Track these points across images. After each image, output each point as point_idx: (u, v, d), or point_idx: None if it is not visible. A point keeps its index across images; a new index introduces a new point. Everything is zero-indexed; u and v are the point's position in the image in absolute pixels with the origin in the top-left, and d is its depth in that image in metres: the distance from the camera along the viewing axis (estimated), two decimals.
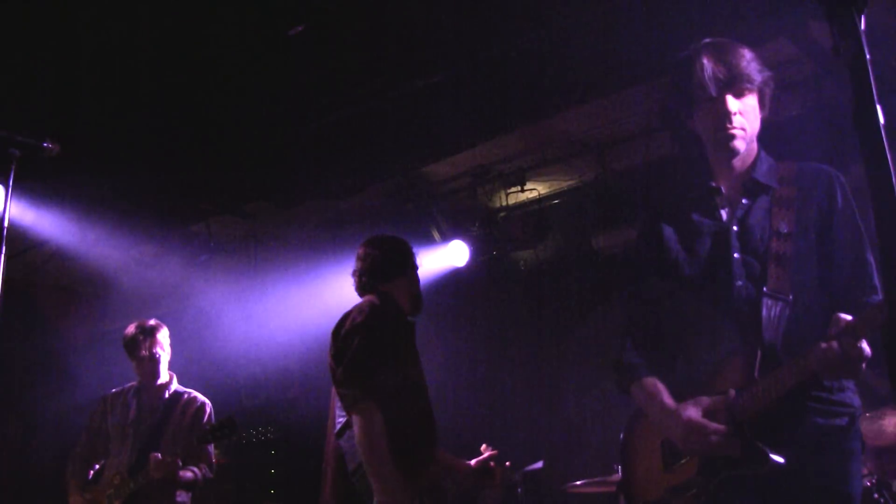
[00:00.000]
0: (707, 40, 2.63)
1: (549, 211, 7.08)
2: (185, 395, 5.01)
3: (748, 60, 2.56)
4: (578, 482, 5.22)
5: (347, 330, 3.57)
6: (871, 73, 1.35)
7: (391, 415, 3.44)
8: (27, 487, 7.84)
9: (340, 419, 3.61)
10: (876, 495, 4.38)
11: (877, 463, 4.86)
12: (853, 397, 2.46)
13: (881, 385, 4.81)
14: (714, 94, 2.53)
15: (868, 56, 1.36)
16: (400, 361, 3.59)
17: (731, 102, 2.54)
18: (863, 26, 1.37)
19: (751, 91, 2.57)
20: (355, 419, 3.42)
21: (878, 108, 1.34)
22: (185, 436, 4.80)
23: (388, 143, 5.95)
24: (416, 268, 3.94)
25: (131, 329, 5.03)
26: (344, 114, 5.55)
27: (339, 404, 3.64)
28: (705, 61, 2.55)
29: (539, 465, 5.58)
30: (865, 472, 4.72)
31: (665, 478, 2.58)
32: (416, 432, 3.53)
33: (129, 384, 5.06)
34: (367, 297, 3.74)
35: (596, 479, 5.17)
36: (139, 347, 4.97)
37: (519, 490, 5.64)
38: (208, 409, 5.00)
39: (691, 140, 2.72)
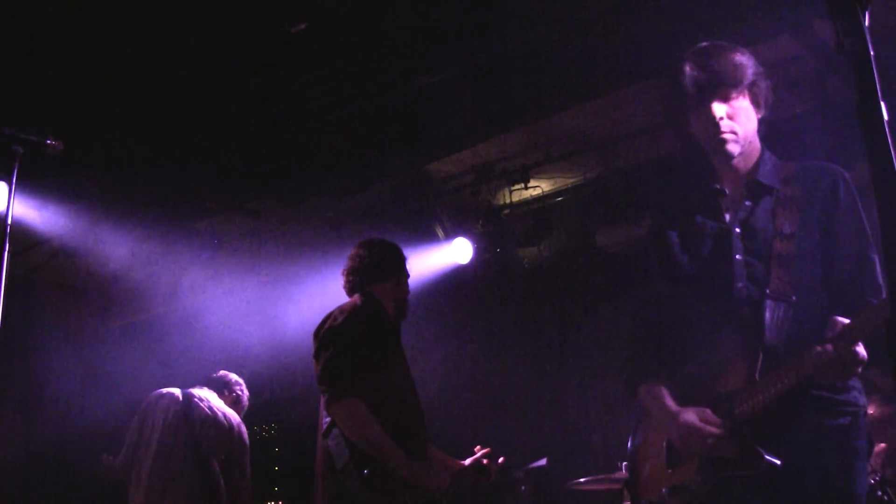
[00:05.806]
0: (697, 45, 2.59)
1: (553, 208, 7.08)
2: None
3: (734, 63, 2.51)
4: (582, 480, 5.23)
5: (326, 330, 3.66)
6: (875, 70, 1.34)
7: (376, 414, 3.48)
8: (30, 485, 7.85)
9: (327, 419, 3.65)
10: (879, 493, 4.37)
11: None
12: (858, 397, 2.44)
13: (883, 382, 4.81)
14: (698, 100, 2.51)
15: (872, 53, 1.35)
16: (381, 362, 3.65)
17: (717, 108, 2.50)
18: (867, 23, 1.37)
19: (739, 92, 2.52)
20: (338, 416, 3.49)
21: (883, 104, 1.33)
22: None
23: (392, 140, 5.95)
24: (404, 274, 4.00)
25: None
26: (348, 111, 5.55)
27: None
28: (687, 69, 2.52)
29: (542, 462, 5.58)
30: (869, 469, 4.72)
31: (667, 477, 2.60)
32: (403, 431, 3.55)
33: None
34: (352, 298, 3.84)
35: (599, 477, 5.17)
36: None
37: (522, 488, 5.64)
38: None
39: (693, 144, 2.69)
